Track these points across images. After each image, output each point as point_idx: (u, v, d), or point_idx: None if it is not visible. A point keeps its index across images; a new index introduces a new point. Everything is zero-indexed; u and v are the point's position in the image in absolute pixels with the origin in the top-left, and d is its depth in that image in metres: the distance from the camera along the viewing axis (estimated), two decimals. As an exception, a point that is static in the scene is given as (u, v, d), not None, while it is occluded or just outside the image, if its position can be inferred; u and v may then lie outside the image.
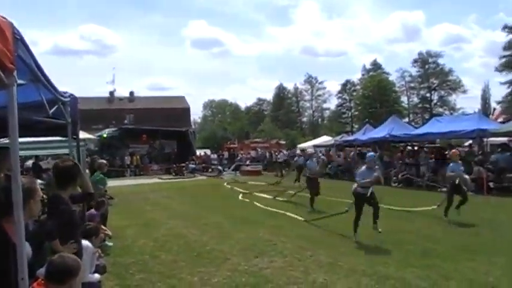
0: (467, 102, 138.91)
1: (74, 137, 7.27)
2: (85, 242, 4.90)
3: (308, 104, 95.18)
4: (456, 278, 6.39)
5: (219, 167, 37.30)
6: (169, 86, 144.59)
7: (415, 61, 79.85)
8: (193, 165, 36.38)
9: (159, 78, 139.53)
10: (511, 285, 6.11)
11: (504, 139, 21.19)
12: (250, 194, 18.85)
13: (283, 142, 51.97)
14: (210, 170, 37.84)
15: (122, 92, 72.02)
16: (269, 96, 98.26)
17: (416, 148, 25.37)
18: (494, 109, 41.32)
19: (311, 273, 6.83)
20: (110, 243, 9.10)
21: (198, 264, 7.56)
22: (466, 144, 25.26)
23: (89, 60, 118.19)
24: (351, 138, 31.51)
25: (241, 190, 20.08)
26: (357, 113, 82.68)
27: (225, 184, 23.97)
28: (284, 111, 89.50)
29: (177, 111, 62.41)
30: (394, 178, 22.75)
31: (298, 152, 26.30)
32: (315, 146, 34.53)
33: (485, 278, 6.38)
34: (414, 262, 7.35)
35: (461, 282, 6.21)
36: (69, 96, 5.76)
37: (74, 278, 2.93)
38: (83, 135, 16.18)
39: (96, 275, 5.26)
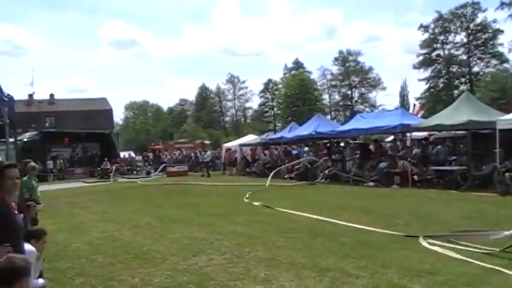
0: (386, 99, 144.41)
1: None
2: (28, 246, 4.71)
3: (231, 104, 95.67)
4: (394, 266, 6.54)
5: (148, 168, 37.43)
6: (86, 88, 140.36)
7: (336, 59, 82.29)
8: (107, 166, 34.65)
9: (76, 80, 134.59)
10: (450, 269, 6.37)
11: (424, 134, 22.16)
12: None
13: (207, 142, 52.09)
14: (135, 172, 37.52)
15: (38, 94, 68.50)
16: (191, 96, 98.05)
17: (342, 144, 26.11)
18: (414, 105, 43.20)
19: (252, 268, 6.79)
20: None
21: (137, 265, 7.38)
22: (388, 139, 26.27)
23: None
24: (276, 136, 31.82)
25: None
26: (279, 111, 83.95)
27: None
28: (207, 111, 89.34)
29: (99, 113, 61.12)
30: (321, 174, 23.32)
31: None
32: (241, 145, 34.61)
33: (420, 265, 6.58)
34: (351, 253, 7.43)
35: (399, 269, 6.39)
36: (7, 96, 5.56)
37: (24, 278, 2.83)
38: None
39: (41, 280, 5.08)
